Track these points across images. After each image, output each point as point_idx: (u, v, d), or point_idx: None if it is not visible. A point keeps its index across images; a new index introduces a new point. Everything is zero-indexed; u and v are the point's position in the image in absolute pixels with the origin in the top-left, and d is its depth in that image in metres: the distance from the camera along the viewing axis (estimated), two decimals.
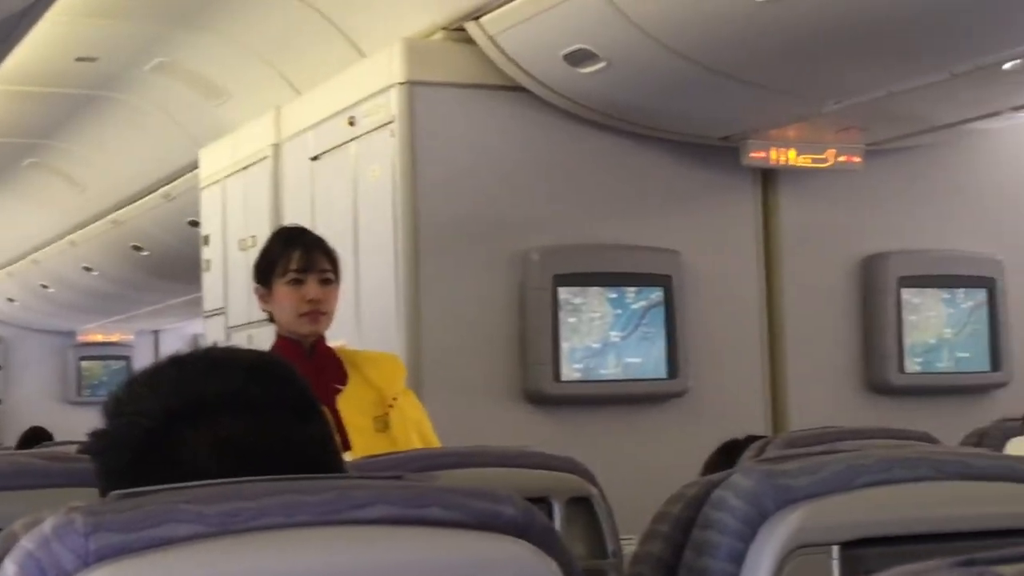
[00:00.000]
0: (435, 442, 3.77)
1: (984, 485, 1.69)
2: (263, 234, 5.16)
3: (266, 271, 3.74)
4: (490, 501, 1.26)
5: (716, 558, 1.59)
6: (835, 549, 1.57)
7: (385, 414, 3.69)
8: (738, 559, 1.57)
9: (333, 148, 5.88)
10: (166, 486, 1.23)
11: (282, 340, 3.74)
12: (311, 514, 1.19)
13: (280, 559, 1.17)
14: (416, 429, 3.73)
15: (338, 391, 3.66)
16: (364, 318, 5.53)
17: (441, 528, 1.22)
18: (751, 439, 3.41)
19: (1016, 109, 5.30)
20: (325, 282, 3.71)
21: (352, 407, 3.63)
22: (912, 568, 0.96)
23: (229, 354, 1.50)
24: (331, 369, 3.70)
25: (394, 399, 3.74)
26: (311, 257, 3.71)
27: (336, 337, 3.97)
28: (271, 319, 3.79)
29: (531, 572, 1.23)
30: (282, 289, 3.69)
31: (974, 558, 0.96)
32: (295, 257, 3.70)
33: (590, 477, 2.62)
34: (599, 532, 2.57)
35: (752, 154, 5.64)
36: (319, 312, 3.69)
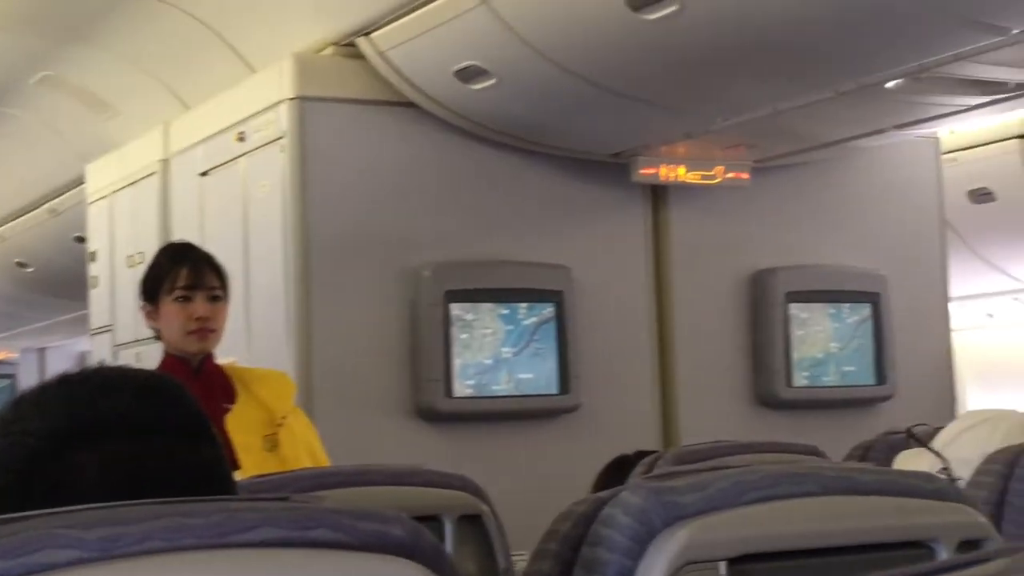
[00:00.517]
0: (325, 461, 3.75)
1: (869, 500, 1.71)
2: (151, 250, 5.07)
3: (153, 288, 3.69)
4: (378, 522, 1.25)
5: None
6: (722, 565, 1.58)
7: (275, 433, 3.66)
8: None
9: (222, 164, 5.83)
10: (46, 511, 1.20)
11: (169, 358, 3.70)
12: (195, 538, 1.17)
13: None
14: (306, 448, 3.71)
15: (227, 410, 3.62)
16: (254, 335, 5.48)
17: (328, 550, 1.21)
18: (641, 454, 3.43)
19: (899, 127, 5.39)
20: (214, 299, 3.68)
21: (241, 426, 3.59)
22: None
23: (118, 374, 1.47)
24: (219, 387, 3.66)
25: (283, 418, 3.71)
26: (199, 274, 3.67)
27: (226, 354, 3.93)
28: (158, 337, 3.74)
29: None
30: (170, 306, 3.65)
31: None
32: (183, 274, 3.66)
33: (481, 494, 2.61)
34: (490, 549, 2.57)
35: (642, 170, 5.68)
36: (207, 329, 3.65)
